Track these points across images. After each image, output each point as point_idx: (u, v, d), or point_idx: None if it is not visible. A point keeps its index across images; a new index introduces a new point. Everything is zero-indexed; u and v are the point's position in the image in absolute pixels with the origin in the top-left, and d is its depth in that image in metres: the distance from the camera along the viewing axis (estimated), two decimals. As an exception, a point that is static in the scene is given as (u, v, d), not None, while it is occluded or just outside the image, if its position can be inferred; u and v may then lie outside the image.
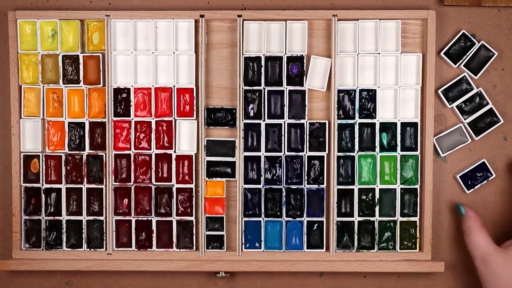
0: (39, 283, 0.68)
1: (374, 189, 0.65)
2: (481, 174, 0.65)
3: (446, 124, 0.67)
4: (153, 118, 0.65)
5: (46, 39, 0.65)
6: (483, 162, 0.65)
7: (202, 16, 0.64)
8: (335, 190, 0.65)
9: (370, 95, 0.65)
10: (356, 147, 0.65)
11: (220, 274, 0.65)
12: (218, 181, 0.66)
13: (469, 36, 0.65)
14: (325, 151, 0.65)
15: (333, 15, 0.64)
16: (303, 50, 0.65)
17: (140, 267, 0.65)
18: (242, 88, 0.65)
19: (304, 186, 0.65)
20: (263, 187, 0.65)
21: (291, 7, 0.66)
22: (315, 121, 0.65)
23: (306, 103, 0.65)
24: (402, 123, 0.65)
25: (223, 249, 0.66)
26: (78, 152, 0.66)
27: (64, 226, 0.66)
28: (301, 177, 0.65)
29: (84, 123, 0.66)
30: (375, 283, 0.67)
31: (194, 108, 0.65)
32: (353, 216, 0.65)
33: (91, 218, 0.66)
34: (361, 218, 0.65)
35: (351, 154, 0.65)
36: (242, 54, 0.65)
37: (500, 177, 0.67)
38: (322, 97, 0.66)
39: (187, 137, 0.66)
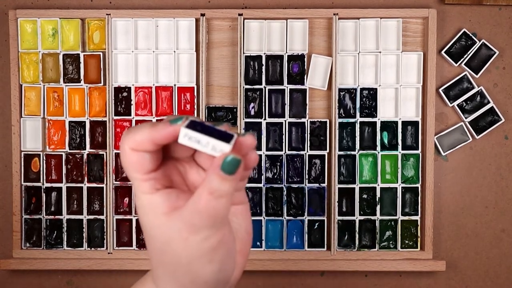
0: (40, 282, 0.68)
1: (375, 188, 0.65)
2: None
3: (447, 123, 0.67)
4: (154, 117, 0.65)
5: (46, 38, 0.65)
6: None
7: (203, 15, 0.64)
8: (336, 189, 0.65)
9: (371, 94, 0.65)
10: (357, 146, 0.65)
11: (221, 273, 0.65)
12: (219, 180, 0.65)
13: (470, 34, 0.65)
14: (326, 150, 0.65)
15: (334, 14, 0.64)
16: (304, 48, 0.65)
17: (141, 266, 0.65)
18: (243, 87, 0.65)
19: (305, 185, 0.65)
20: (264, 186, 0.65)
21: (292, 5, 0.66)
22: (316, 120, 0.65)
23: (307, 102, 0.65)
24: (403, 122, 0.65)
25: (224, 248, 0.66)
26: (78, 151, 0.66)
27: (64, 225, 0.66)
28: (302, 176, 0.65)
29: (84, 122, 0.65)
30: (376, 282, 0.67)
31: (195, 107, 0.65)
32: (354, 215, 0.65)
33: (91, 217, 0.66)
34: (362, 217, 0.65)
35: (352, 153, 0.65)
36: (243, 53, 0.64)
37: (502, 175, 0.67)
38: (323, 95, 0.66)
39: (188, 136, 0.65)
